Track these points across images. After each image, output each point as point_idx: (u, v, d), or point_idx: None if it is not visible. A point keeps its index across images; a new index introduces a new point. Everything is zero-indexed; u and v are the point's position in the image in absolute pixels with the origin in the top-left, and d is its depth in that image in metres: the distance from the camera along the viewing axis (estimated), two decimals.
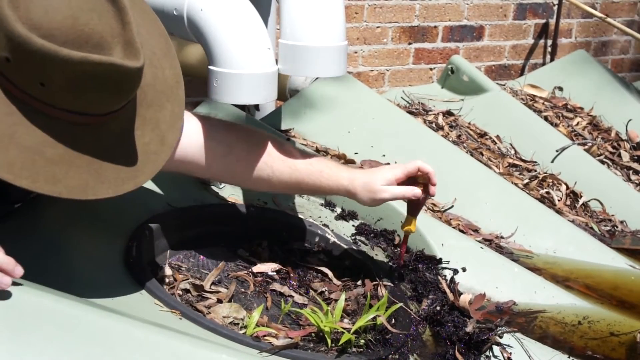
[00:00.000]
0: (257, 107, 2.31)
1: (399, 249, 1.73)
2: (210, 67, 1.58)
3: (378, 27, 3.34)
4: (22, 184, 1.07)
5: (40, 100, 1.08)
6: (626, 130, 2.75)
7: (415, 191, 1.47)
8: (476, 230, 1.98)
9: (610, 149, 2.68)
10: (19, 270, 1.07)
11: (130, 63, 1.09)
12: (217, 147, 1.44)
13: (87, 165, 1.13)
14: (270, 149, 1.48)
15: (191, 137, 1.41)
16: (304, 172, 1.49)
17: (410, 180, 1.49)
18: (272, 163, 1.47)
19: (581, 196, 2.34)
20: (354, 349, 1.32)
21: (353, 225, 1.81)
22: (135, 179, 1.19)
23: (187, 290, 1.41)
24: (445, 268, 1.69)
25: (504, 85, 2.93)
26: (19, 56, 1.05)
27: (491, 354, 1.42)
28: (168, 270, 1.45)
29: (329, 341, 1.31)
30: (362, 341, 1.33)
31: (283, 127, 2.17)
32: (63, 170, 1.10)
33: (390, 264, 1.67)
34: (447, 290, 1.60)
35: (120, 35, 1.10)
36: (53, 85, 1.07)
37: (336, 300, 1.45)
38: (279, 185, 1.50)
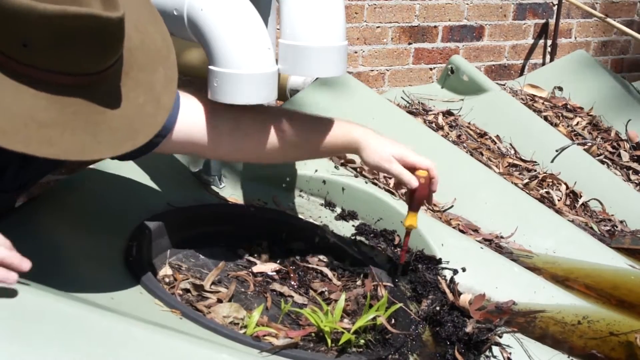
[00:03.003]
0: None
1: (399, 249, 1.73)
2: (210, 67, 1.58)
3: (378, 27, 3.34)
4: (15, 148, 1.05)
5: (24, 64, 1.07)
6: (626, 130, 2.75)
7: (413, 182, 1.48)
8: (476, 230, 1.98)
9: (609, 148, 2.68)
10: (27, 264, 1.04)
11: (109, 13, 1.07)
12: (223, 124, 1.43)
13: (82, 127, 1.10)
14: (280, 121, 1.48)
15: (196, 116, 1.41)
16: (318, 139, 1.49)
17: (411, 170, 1.50)
18: (284, 135, 1.47)
19: (581, 196, 2.34)
20: (354, 349, 1.32)
21: (353, 226, 1.81)
22: (134, 140, 1.17)
23: (187, 290, 1.41)
24: (445, 268, 1.69)
25: (504, 85, 2.94)
26: None
27: (491, 354, 1.42)
28: (168, 270, 1.45)
29: (329, 341, 1.31)
30: (362, 341, 1.33)
31: None
32: (58, 133, 1.08)
33: (393, 260, 1.67)
34: (447, 290, 1.60)
35: None
36: (35, 45, 1.05)
37: (336, 301, 1.45)
38: (292, 155, 1.53)
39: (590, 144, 2.62)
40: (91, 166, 1.63)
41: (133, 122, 1.17)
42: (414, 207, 1.53)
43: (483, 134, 2.55)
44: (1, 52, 1.06)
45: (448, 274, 1.68)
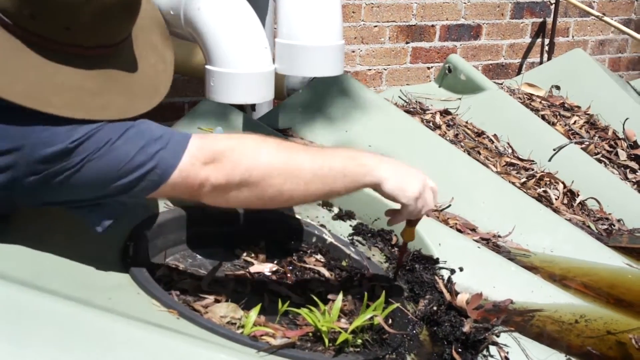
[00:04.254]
0: (253, 106, 2.31)
1: (396, 249, 1.73)
2: (207, 66, 1.58)
3: (375, 26, 3.34)
4: (78, 116, 1.18)
5: (67, 44, 1.20)
6: (623, 128, 2.75)
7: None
8: (473, 230, 1.98)
9: (607, 147, 2.68)
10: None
11: None
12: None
13: (120, 90, 1.26)
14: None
15: None
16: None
17: None
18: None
19: (578, 195, 2.34)
20: (351, 349, 1.32)
21: (350, 225, 1.81)
22: (158, 95, 1.32)
23: (184, 290, 1.41)
24: (443, 268, 1.69)
25: (501, 84, 2.94)
26: (43, 10, 1.16)
27: (488, 353, 1.42)
28: (166, 270, 1.45)
29: (326, 341, 1.31)
30: (359, 341, 1.33)
31: (280, 127, 2.17)
32: (107, 98, 1.23)
33: (387, 267, 1.67)
34: (444, 290, 1.60)
35: None
36: (77, 26, 1.19)
37: (333, 300, 1.45)
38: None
39: (587, 143, 2.62)
40: None
41: (152, 80, 1.33)
42: (413, 223, 1.52)
43: (480, 133, 2.55)
44: (43, 36, 1.19)
45: (445, 273, 1.68)
